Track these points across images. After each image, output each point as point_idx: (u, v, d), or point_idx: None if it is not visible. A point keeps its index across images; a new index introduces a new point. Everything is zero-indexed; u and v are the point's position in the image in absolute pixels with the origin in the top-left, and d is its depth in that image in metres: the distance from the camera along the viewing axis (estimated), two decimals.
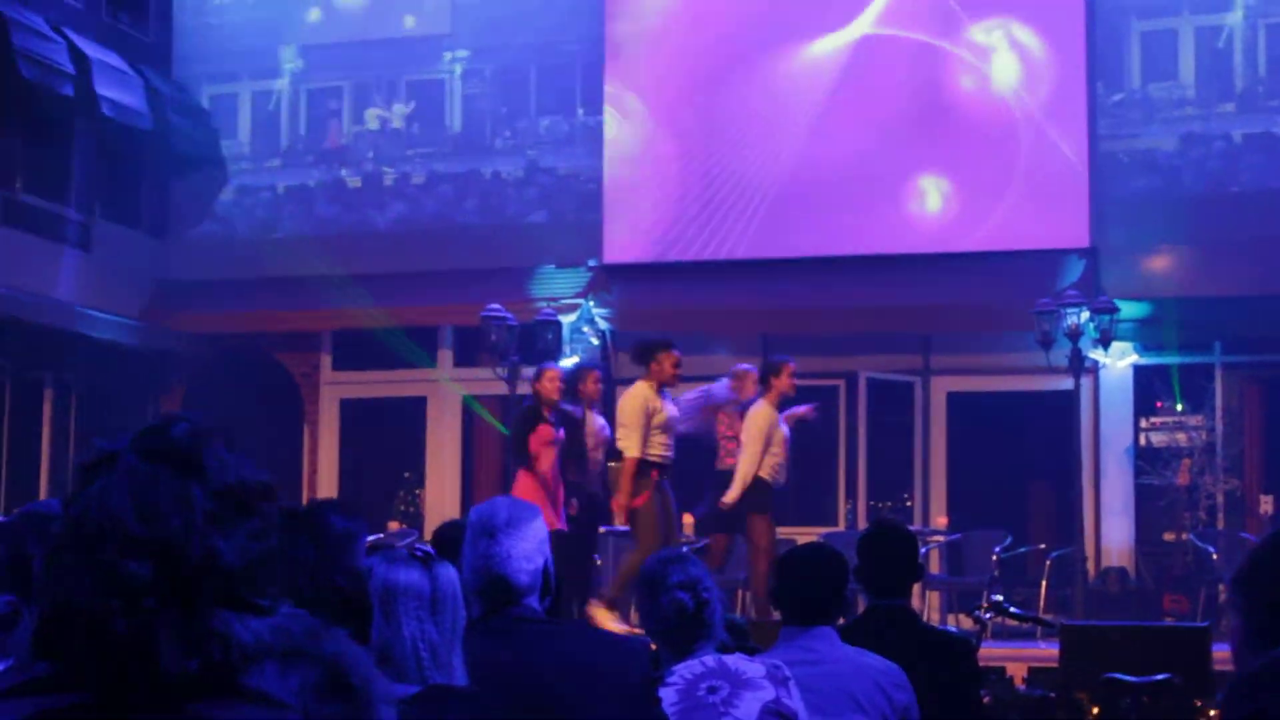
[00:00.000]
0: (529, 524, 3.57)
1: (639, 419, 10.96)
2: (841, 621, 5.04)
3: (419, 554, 3.03)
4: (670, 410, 11.27)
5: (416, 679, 2.81)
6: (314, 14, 17.69)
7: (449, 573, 2.98)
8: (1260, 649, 2.34)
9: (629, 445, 11.01)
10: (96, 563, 1.63)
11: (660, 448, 11.08)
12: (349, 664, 1.68)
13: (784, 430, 11.48)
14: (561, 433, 11.44)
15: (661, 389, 11.18)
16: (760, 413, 11.37)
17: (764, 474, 11.29)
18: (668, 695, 3.78)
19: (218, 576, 1.64)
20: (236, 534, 1.67)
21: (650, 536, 11.03)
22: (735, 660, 3.89)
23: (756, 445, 11.28)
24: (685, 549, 9.16)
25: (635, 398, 11.14)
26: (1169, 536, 14.62)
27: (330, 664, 1.67)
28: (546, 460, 11.33)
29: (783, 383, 11.57)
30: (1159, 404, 15.19)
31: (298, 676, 1.65)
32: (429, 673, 2.85)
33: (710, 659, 3.86)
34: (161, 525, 1.64)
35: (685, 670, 3.83)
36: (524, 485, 11.21)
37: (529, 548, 3.55)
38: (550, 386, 11.56)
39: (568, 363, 13.11)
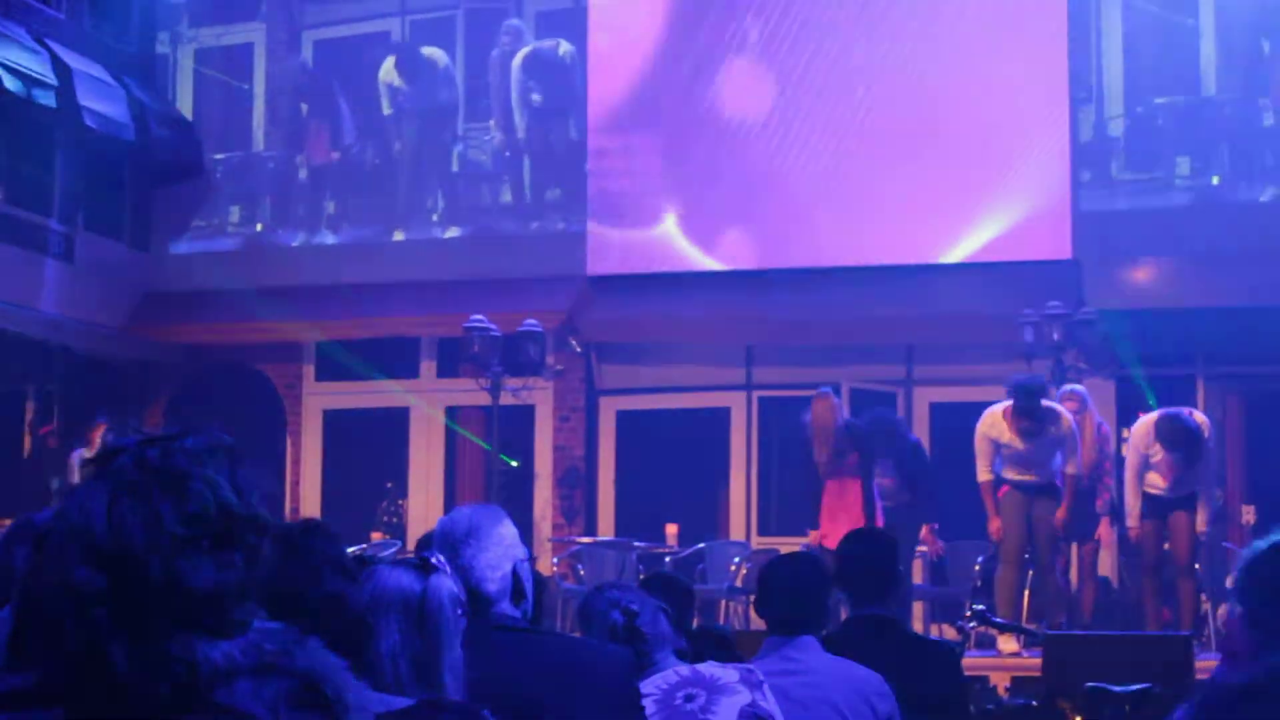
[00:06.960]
0: (491, 531, 3.53)
1: None
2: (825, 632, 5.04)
3: (416, 560, 2.98)
4: None
5: (395, 691, 2.77)
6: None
7: (443, 582, 2.93)
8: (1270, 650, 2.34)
9: None
10: (59, 562, 1.61)
11: None
12: (322, 676, 1.68)
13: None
14: None
15: None
16: None
17: None
18: (645, 707, 3.78)
19: (179, 601, 1.62)
20: (205, 562, 1.64)
21: None
22: (709, 667, 3.90)
23: None
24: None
25: None
26: None
27: (303, 676, 1.67)
28: None
29: None
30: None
31: (270, 690, 1.64)
32: (408, 685, 2.81)
33: (684, 668, 3.87)
34: (126, 538, 1.61)
35: (661, 681, 3.84)
36: None
37: (492, 556, 3.51)
38: None
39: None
